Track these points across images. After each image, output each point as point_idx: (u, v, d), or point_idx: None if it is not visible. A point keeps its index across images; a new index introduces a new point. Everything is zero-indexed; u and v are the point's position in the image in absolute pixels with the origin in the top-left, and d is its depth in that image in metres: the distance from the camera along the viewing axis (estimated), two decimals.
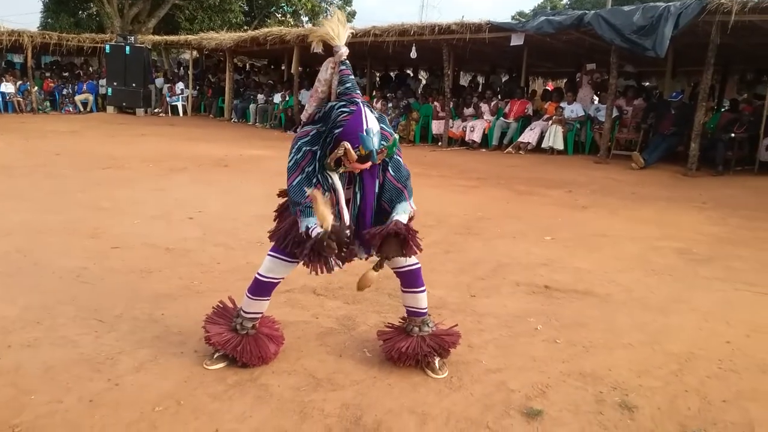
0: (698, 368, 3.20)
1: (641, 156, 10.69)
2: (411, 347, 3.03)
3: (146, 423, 2.54)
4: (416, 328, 3.09)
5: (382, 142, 2.61)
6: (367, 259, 2.98)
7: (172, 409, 2.66)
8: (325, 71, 2.91)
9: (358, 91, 2.81)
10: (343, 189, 2.75)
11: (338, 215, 2.70)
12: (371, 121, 2.60)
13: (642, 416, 2.72)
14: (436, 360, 3.06)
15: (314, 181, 2.69)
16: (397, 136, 2.78)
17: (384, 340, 3.16)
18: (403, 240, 2.71)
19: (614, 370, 3.14)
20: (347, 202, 2.77)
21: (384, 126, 2.70)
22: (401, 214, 2.77)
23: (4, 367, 2.96)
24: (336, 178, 2.71)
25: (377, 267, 2.78)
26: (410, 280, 3.04)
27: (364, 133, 2.55)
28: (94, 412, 2.61)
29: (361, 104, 2.65)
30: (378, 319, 3.70)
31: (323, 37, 2.93)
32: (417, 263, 3.02)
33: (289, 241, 2.84)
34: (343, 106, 2.67)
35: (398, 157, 2.81)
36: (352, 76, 2.87)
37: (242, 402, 2.74)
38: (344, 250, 2.65)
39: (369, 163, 2.61)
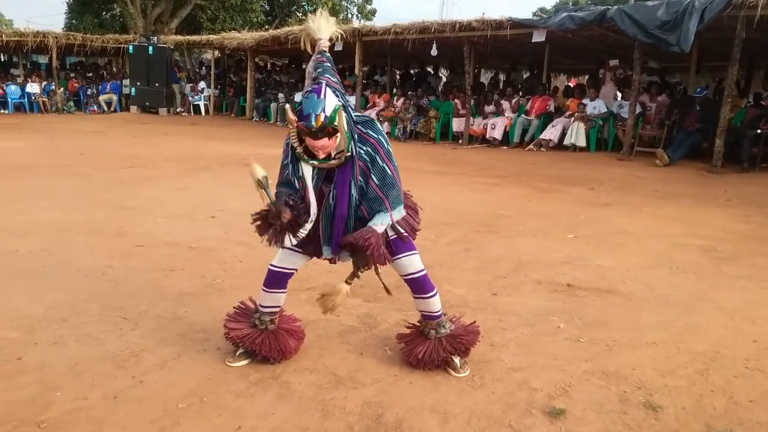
0: (724, 367, 3.16)
1: (665, 153, 10.57)
2: (428, 353, 3.02)
3: (170, 420, 2.57)
4: (432, 331, 3.07)
5: (324, 112, 2.54)
6: (332, 261, 3.01)
7: (196, 406, 2.68)
8: (310, 65, 2.95)
9: (330, 75, 2.83)
10: (320, 184, 2.79)
11: (302, 202, 2.79)
12: (328, 96, 2.59)
13: (667, 416, 2.69)
14: (457, 359, 3.05)
15: (289, 172, 2.81)
16: (389, 145, 2.79)
17: (404, 343, 3.15)
18: (367, 252, 2.70)
19: (638, 370, 3.11)
20: (323, 196, 2.81)
21: (370, 132, 2.72)
22: (377, 225, 2.75)
23: (31, 364, 3.00)
24: (306, 169, 2.75)
25: (350, 279, 2.87)
26: (417, 286, 3.02)
27: (306, 97, 2.61)
28: (118, 409, 2.64)
29: (323, 84, 2.65)
30: (399, 317, 3.69)
31: (307, 32, 3.01)
32: (422, 270, 2.99)
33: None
34: (309, 86, 2.72)
35: (384, 165, 2.75)
36: (328, 63, 2.90)
37: (264, 399, 2.76)
38: (286, 223, 2.73)
39: (324, 142, 2.59)
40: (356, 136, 2.71)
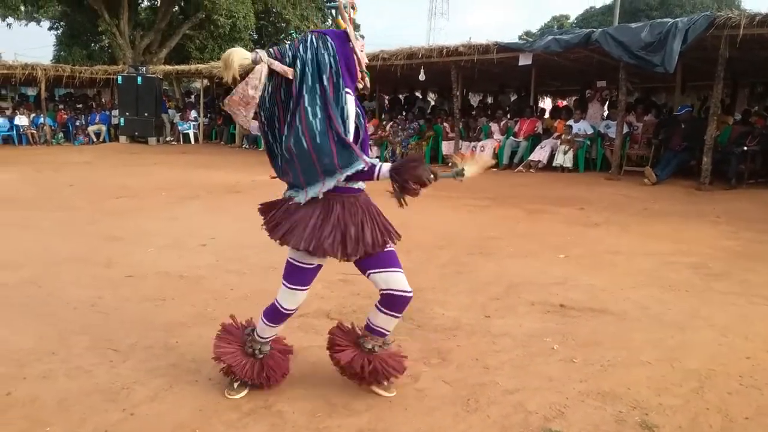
0: (719, 385, 3.16)
1: (653, 171, 10.63)
2: (354, 361, 2.97)
3: None
4: (377, 347, 2.98)
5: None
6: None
7: None
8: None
9: None
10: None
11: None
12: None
13: None
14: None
15: None
16: None
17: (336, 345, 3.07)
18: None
19: (633, 389, 3.10)
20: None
21: None
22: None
23: (20, 399, 2.96)
24: None
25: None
26: (398, 305, 2.86)
27: None
28: None
29: None
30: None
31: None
32: (410, 292, 2.87)
33: (314, 234, 2.72)
34: None
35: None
36: None
37: (257, 429, 2.72)
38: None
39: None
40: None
